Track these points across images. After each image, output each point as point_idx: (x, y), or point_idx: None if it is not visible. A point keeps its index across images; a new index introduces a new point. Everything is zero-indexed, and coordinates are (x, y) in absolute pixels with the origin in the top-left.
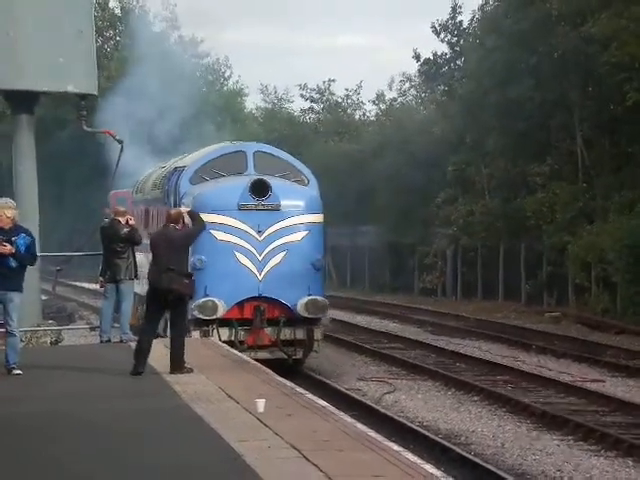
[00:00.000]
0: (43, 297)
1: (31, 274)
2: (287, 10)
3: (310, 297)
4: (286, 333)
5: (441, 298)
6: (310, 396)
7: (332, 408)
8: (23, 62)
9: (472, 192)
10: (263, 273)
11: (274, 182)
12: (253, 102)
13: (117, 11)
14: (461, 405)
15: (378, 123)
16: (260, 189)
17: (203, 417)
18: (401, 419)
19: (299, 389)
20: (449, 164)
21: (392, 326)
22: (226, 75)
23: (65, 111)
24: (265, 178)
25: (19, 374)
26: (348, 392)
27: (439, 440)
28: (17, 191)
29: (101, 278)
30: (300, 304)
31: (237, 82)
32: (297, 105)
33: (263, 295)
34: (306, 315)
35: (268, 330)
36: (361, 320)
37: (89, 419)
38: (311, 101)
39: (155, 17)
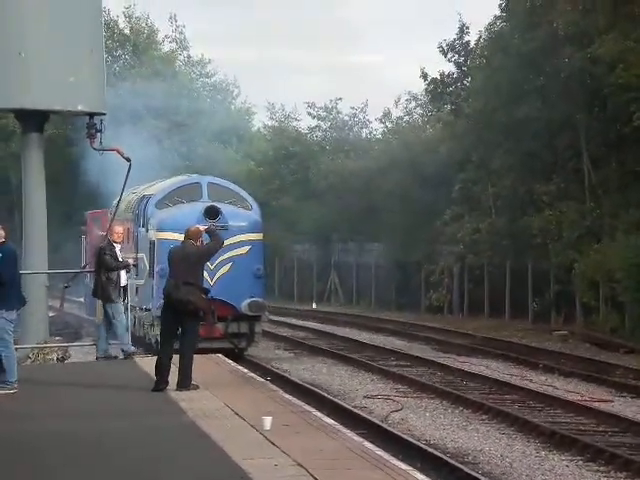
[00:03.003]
0: (50, 314)
1: (39, 290)
2: (296, 30)
3: (252, 299)
4: (233, 327)
5: (447, 316)
6: (317, 414)
7: (339, 426)
8: (34, 82)
9: (478, 210)
10: (214, 280)
11: (224, 207)
12: (260, 120)
13: (126, 31)
14: (469, 424)
15: (385, 141)
16: (212, 213)
17: (209, 434)
18: (408, 437)
19: (306, 407)
20: (455, 182)
21: (398, 343)
22: (234, 94)
23: (73, 129)
24: (216, 204)
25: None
26: (355, 410)
27: (447, 459)
28: (26, 209)
29: (114, 298)
30: (244, 304)
31: (245, 102)
32: (304, 123)
33: (214, 297)
34: (249, 313)
35: (218, 325)
36: (367, 337)
37: (92, 437)
38: (318, 119)
39: (165, 38)
